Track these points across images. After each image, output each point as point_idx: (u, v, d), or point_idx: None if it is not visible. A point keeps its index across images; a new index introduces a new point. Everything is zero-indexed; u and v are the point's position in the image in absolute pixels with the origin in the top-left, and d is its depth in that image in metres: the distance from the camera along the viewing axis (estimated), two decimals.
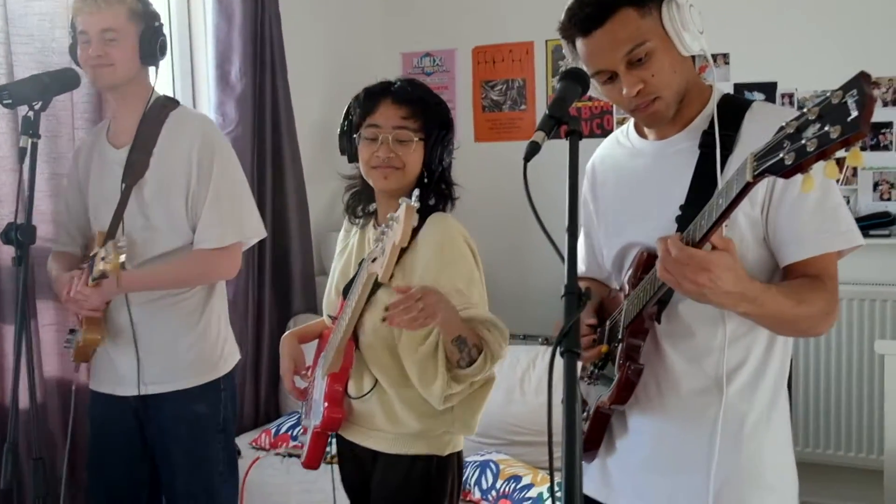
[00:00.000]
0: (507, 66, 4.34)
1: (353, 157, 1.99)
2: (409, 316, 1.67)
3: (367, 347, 1.92)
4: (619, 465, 1.66)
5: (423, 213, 1.90)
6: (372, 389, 1.93)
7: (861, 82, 1.00)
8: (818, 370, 3.72)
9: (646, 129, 1.64)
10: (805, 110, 1.07)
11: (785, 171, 1.10)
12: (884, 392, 3.19)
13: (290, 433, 3.37)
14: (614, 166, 1.72)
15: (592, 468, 1.71)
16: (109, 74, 2.22)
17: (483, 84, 4.40)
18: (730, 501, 1.53)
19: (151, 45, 2.24)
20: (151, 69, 2.32)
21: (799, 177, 1.10)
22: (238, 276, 2.40)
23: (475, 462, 3.03)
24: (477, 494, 2.95)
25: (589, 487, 1.69)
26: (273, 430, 3.42)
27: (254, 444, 3.41)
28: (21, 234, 2.06)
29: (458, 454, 1.99)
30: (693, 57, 1.53)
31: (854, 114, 1.00)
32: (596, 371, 1.67)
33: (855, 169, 3.66)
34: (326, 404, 1.93)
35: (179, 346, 2.29)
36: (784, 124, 1.10)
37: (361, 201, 2.05)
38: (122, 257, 2.01)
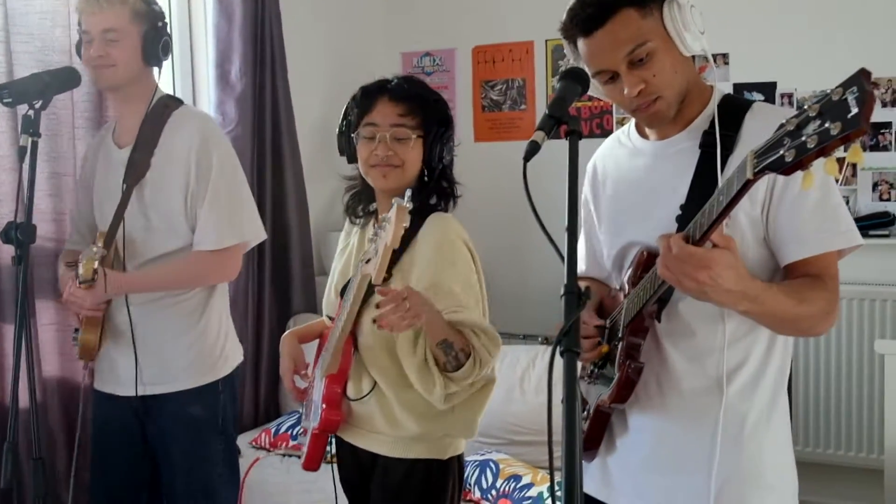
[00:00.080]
0: (507, 66, 4.34)
1: (352, 158, 1.97)
2: (397, 315, 1.66)
3: (366, 349, 1.91)
4: (620, 464, 1.66)
5: (424, 212, 1.90)
6: (371, 391, 1.91)
7: (861, 79, 1.00)
8: (818, 370, 3.72)
9: (647, 129, 1.64)
10: (805, 107, 1.07)
11: (785, 168, 1.10)
12: (884, 392, 3.19)
13: (289, 433, 3.37)
14: (615, 166, 1.72)
15: (593, 467, 1.71)
16: (111, 75, 2.22)
17: (483, 84, 4.40)
18: (730, 501, 1.53)
19: (154, 45, 2.23)
20: (155, 69, 2.31)
21: (799, 175, 1.10)
22: (238, 275, 2.39)
23: (475, 461, 3.03)
24: (477, 494, 2.95)
25: (589, 486, 1.70)
26: (273, 430, 3.42)
27: (254, 443, 3.41)
28: (21, 234, 2.06)
29: (459, 457, 1.97)
30: (693, 57, 1.53)
31: (854, 110, 1.00)
32: (596, 370, 1.67)
33: (854, 169, 3.67)
34: (324, 406, 1.92)
35: (178, 347, 2.29)
36: (784, 121, 1.11)
37: (361, 201, 2.04)
38: (96, 263, 2.01)
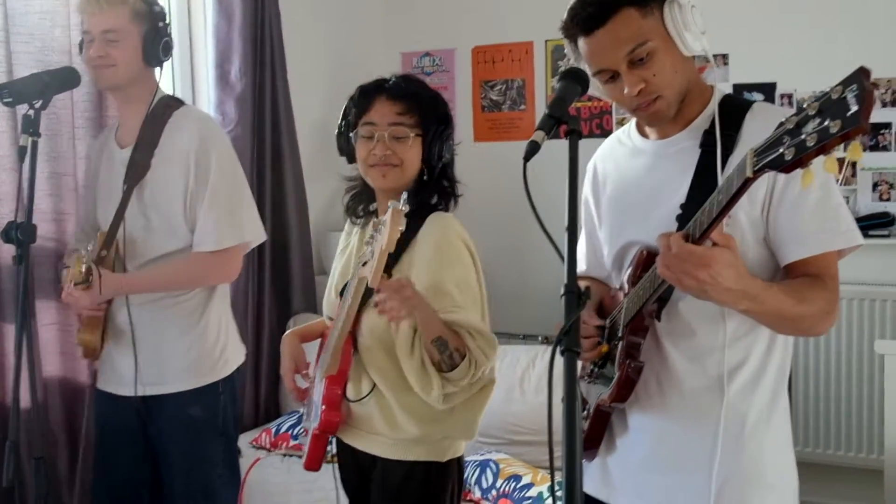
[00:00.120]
0: (507, 66, 4.35)
1: (351, 158, 1.96)
2: (396, 301, 1.66)
3: (366, 350, 1.90)
4: (620, 464, 1.66)
5: (424, 211, 1.89)
6: (370, 393, 1.91)
7: (861, 77, 1.01)
8: (818, 370, 3.72)
9: (647, 129, 1.65)
10: (805, 106, 1.08)
11: (785, 166, 1.10)
12: (884, 392, 3.20)
13: (290, 432, 3.37)
14: (615, 165, 1.72)
15: (593, 467, 1.71)
16: (111, 75, 2.22)
17: (482, 84, 4.40)
18: (731, 500, 1.53)
19: (154, 46, 2.23)
20: (157, 69, 2.31)
21: (800, 175, 1.10)
22: (238, 275, 2.39)
23: (475, 461, 3.03)
24: (477, 494, 2.95)
25: (589, 486, 1.70)
26: (273, 430, 3.42)
27: (254, 443, 3.41)
28: (21, 233, 2.06)
29: (459, 459, 1.96)
30: (693, 57, 1.54)
31: (854, 108, 1.00)
32: (596, 370, 1.67)
33: (854, 169, 3.67)
34: (324, 407, 1.91)
35: (177, 348, 2.28)
36: (784, 119, 1.11)
37: (362, 202, 2.03)
38: (83, 266, 2.00)
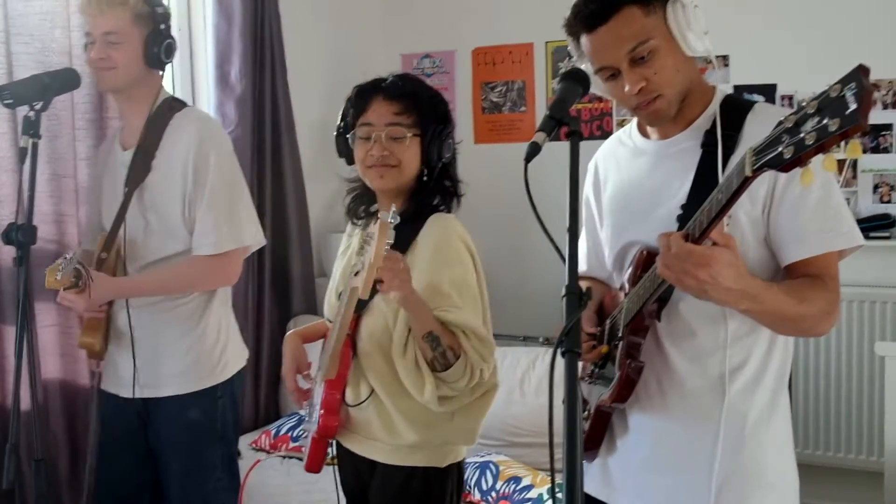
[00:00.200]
0: (507, 68, 4.35)
1: (350, 159, 1.95)
2: (387, 273, 1.63)
3: (364, 355, 1.89)
4: (621, 464, 1.66)
5: (425, 212, 1.88)
6: (368, 398, 1.89)
7: (859, 75, 1.01)
8: (818, 372, 3.72)
9: (648, 129, 1.65)
10: (804, 104, 1.08)
11: (784, 165, 1.10)
12: (884, 394, 3.19)
13: (290, 434, 3.37)
14: (616, 165, 1.73)
15: (594, 467, 1.71)
16: (111, 77, 2.21)
17: (483, 86, 4.40)
18: (731, 500, 1.53)
19: (156, 48, 2.22)
20: (161, 71, 2.31)
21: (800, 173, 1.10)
22: (237, 279, 2.38)
23: (475, 463, 3.03)
24: (477, 495, 2.94)
25: (590, 486, 1.70)
26: (273, 432, 3.42)
27: (254, 445, 3.41)
28: (22, 235, 2.06)
29: (459, 464, 1.95)
30: (695, 57, 1.54)
31: (853, 106, 1.00)
32: (596, 370, 1.67)
33: (855, 171, 3.67)
34: (322, 411, 1.90)
35: (175, 351, 2.27)
36: (783, 118, 1.11)
37: (363, 203, 2.02)
38: (59, 275, 1.98)
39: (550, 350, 1.49)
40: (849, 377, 3.66)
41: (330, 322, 2.01)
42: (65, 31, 2.75)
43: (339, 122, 1.97)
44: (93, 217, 2.43)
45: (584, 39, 1.53)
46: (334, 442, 2.02)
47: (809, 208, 1.44)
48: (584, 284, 1.15)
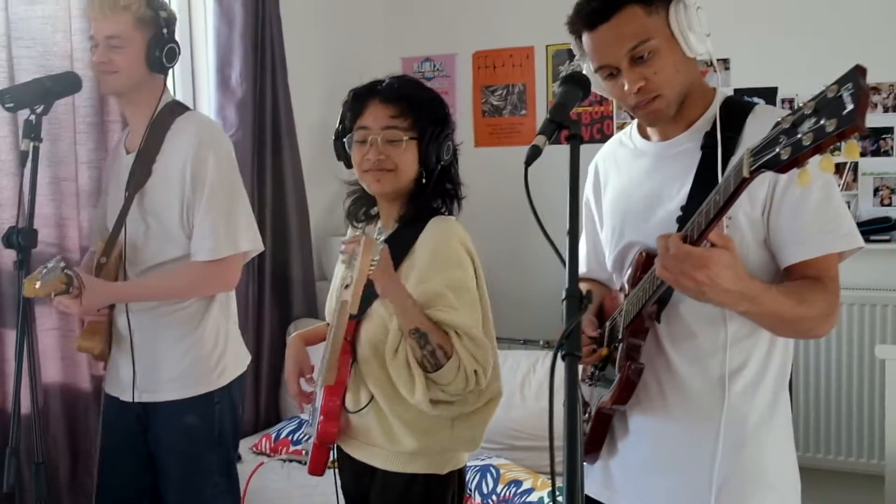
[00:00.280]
0: (508, 71, 4.35)
1: (349, 163, 1.93)
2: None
3: (364, 361, 1.87)
4: (621, 466, 1.66)
5: (426, 215, 1.87)
6: (368, 404, 1.88)
7: (856, 75, 1.01)
8: (819, 375, 3.72)
9: (648, 130, 1.65)
10: (801, 105, 1.08)
11: (781, 166, 1.10)
12: (885, 397, 3.19)
13: (290, 438, 3.36)
14: (616, 166, 1.73)
15: (595, 469, 1.71)
16: (113, 81, 2.21)
17: (483, 89, 4.41)
18: (731, 501, 1.53)
19: (158, 52, 2.21)
20: (166, 74, 2.31)
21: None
22: (238, 280, 2.37)
23: (475, 467, 3.02)
24: (477, 499, 2.94)
25: (591, 488, 1.70)
26: (273, 435, 3.42)
27: (254, 448, 3.41)
28: (22, 239, 2.05)
29: (460, 471, 1.93)
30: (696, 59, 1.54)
31: (849, 107, 1.00)
32: (597, 372, 1.67)
33: (856, 174, 3.67)
34: (322, 418, 1.89)
35: (172, 356, 2.26)
36: (780, 119, 1.11)
37: (363, 206, 2.01)
38: (38, 284, 1.96)
39: (551, 353, 1.48)
40: (849, 380, 3.66)
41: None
42: (66, 34, 2.75)
43: (337, 126, 1.96)
44: (100, 220, 2.44)
45: (585, 37, 1.53)
46: (335, 446, 2.01)
47: (809, 210, 1.44)
48: (584, 287, 1.15)
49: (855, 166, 3.69)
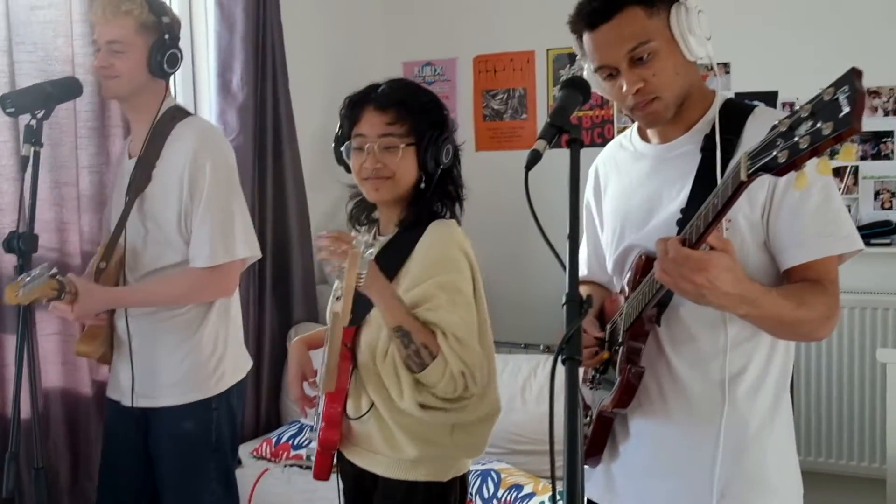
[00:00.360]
0: (508, 76, 4.36)
1: (350, 168, 1.92)
2: (335, 255, 1.64)
3: (364, 367, 1.86)
4: (623, 470, 1.66)
5: (426, 219, 1.86)
6: (368, 410, 1.86)
7: (852, 78, 1.01)
8: (820, 379, 3.71)
9: (648, 133, 1.65)
10: (798, 108, 1.08)
11: (779, 169, 1.11)
12: (886, 400, 3.19)
13: (290, 442, 3.36)
14: (617, 169, 1.73)
15: (597, 473, 1.71)
16: (115, 86, 2.22)
17: (484, 93, 4.41)
18: None
19: (160, 58, 2.21)
20: (171, 79, 2.30)
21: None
22: (238, 284, 2.37)
23: (476, 471, 3.02)
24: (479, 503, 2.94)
25: (593, 492, 1.70)
26: (274, 440, 3.41)
27: (255, 453, 3.40)
28: (23, 243, 2.06)
29: (462, 477, 1.92)
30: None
31: (846, 109, 1.00)
32: (598, 375, 1.67)
33: (856, 178, 3.67)
34: (323, 424, 1.89)
35: (170, 362, 2.26)
36: (777, 122, 1.11)
37: (366, 209, 2.00)
38: (20, 292, 1.95)
39: (551, 358, 1.47)
40: (850, 384, 3.66)
41: None
42: (67, 39, 2.76)
43: (337, 131, 1.96)
44: (105, 225, 2.44)
45: (585, 37, 1.54)
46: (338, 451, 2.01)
47: (809, 212, 1.44)
48: (584, 290, 1.15)
49: (855, 170, 3.69)
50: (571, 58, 4.14)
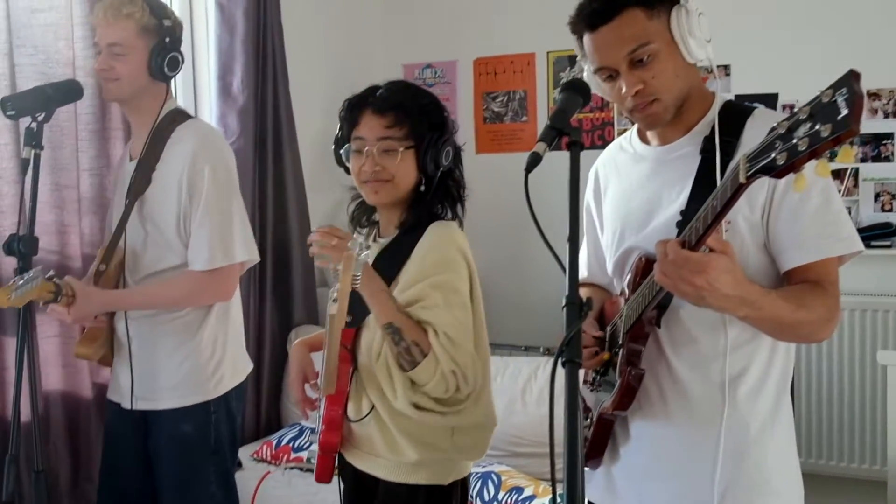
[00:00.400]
0: (509, 78, 4.36)
1: (349, 170, 1.92)
2: (327, 250, 1.66)
3: (364, 369, 1.86)
4: (623, 472, 1.66)
5: (426, 221, 1.86)
6: (369, 413, 1.86)
7: (851, 80, 1.01)
8: (821, 381, 3.71)
9: (648, 135, 1.65)
10: (796, 110, 1.08)
11: (777, 171, 1.11)
12: (887, 403, 3.19)
13: (291, 445, 3.36)
14: (617, 171, 1.73)
15: (598, 475, 1.71)
16: (115, 88, 2.22)
17: (484, 95, 4.42)
18: None
19: (160, 61, 2.21)
20: (172, 82, 2.30)
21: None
22: (239, 286, 2.37)
23: (476, 473, 3.02)
24: None
25: (594, 494, 1.70)
26: (274, 442, 3.41)
27: (255, 455, 3.40)
28: (23, 246, 2.06)
29: (463, 481, 1.91)
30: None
31: (844, 111, 1.00)
32: (598, 377, 1.67)
33: (856, 180, 3.67)
34: (323, 427, 1.89)
35: (169, 365, 2.26)
36: (776, 125, 1.11)
37: (367, 211, 2.00)
38: (12, 295, 1.94)
39: (551, 360, 1.47)
40: (851, 386, 3.66)
41: None
42: (68, 42, 2.76)
43: (337, 133, 1.95)
44: (108, 227, 2.44)
45: (586, 38, 1.54)
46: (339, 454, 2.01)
47: (808, 214, 1.44)
48: (584, 292, 1.15)
49: (855, 172, 3.69)
50: (572, 60, 4.15)
